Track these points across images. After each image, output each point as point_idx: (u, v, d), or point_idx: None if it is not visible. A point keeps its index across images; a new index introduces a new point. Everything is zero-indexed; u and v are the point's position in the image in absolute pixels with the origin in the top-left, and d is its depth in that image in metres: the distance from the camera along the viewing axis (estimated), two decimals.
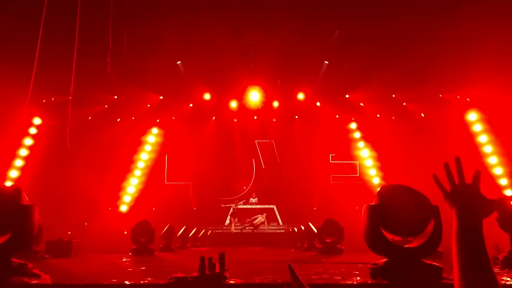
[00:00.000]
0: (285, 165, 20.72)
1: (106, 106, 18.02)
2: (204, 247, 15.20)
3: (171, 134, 19.85)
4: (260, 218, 19.53)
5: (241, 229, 19.35)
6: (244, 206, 20.60)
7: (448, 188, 1.84)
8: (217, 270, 4.02)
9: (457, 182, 1.83)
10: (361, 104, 18.71)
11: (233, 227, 19.46)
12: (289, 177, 20.25)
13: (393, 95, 17.67)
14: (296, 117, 20.47)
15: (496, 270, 5.68)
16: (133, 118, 18.93)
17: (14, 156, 16.04)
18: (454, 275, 1.56)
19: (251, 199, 20.87)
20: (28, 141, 16.42)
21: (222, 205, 20.46)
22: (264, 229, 19.57)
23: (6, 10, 11.97)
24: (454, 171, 1.86)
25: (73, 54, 10.99)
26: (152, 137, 19.58)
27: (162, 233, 12.22)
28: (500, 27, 12.28)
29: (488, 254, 1.57)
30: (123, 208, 18.22)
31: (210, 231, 18.00)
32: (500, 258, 6.10)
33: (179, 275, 3.95)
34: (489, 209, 1.73)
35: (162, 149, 19.91)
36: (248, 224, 19.40)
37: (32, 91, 14.21)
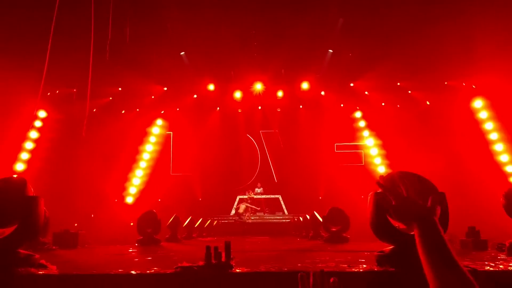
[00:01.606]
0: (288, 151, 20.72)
1: (111, 98, 18.04)
2: (210, 237, 15.24)
3: (175, 125, 19.89)
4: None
5: (252, 219, 19.40)
6: (260, 196, 20.70)
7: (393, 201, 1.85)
8: (223, 259, 4.02)
9: (405, 194, 1.85)
10: (366, 92, 18.64)
11: (246, 217, 19.49)
12: (294, 167, 20.27)
13: (398, 83, 17.58)
14: (301, 106, 20.43)
15: (503, 256, 5.67)
16: (137, 109, 18.96)
17: (20, 149, 16.12)
18: (428, 278, 1.63)
19: (256, 189, 20.89)
20: (33, 134, 16.48)
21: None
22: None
23: (12, 2, 11.95)
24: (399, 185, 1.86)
25: (78, 46, 10.98)
26: (157, 128, 19.62)
27: (168, 224, 12.25)
28: (506, 13, 12.17)
29: (450, 250, 1.64)
30: (129, 199, 18.32)
31: (216, 221, 18.06)
32: (507, 244, 6.06)
33: (185, 264, 3.95)
34: (432, 210, 1.78)
35: (167, 140, 19.97)
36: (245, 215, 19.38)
37: (37, 84, 14.28)
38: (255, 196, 20.33)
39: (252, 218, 19.55)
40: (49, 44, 9.60)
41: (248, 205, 19.57)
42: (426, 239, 1.69)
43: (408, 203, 1.81)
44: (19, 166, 15.94)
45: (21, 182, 4.38)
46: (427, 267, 1.63)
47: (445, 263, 1.60)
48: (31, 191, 4.46)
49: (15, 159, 15.92)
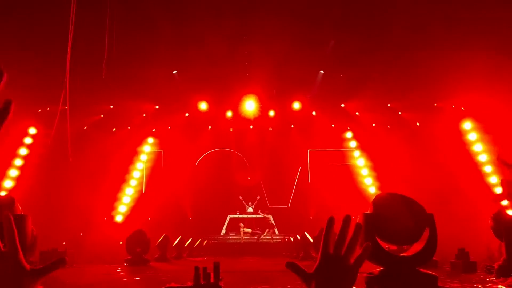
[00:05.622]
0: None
1: (102, 116, 17.98)
2: (200, 257, 15.11)
3: (167, 143, 19.83)
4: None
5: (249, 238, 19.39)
6: (251, 216, 20.68)
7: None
8: (212, 279, 3.99)
9: (331, 251, 1.48)
10: (357, 113, 18.76)
11: (242, 236, 19.45)
12: (284, 186, 20.28)
13: (389, 104, 17.73)
14: (292, 126, 20.50)
15: (491, 278, 5.68)
16: (129, 127, 18.89)
17: (9, 166, 15.95)
18: None
19: (247, 208, 20.80)
20: (23, 151, 16.34)
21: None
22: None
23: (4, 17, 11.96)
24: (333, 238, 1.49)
25: (69, 64, 10.98)
26: (148, 146, 19.54)
27: (157, 243, 12.14)
28: (494, 35, 12.38)
29: None
30: (119, 218, 18.12)
31: (205, 241, 17.92)
32: (496, 266, 6.08)
33: (173, 285, 3.91)
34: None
35: (158, 158, 19.89)
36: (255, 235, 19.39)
37: (26, 101, 14.24)
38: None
39: (244, 238, 19.50)
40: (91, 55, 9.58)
41: (247, 230, 19.53)
42: None
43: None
44: (8, 183, 15.76)
45: (8, 200, 4.35)
46: None
47: None
48: (19, 209, 4.43)
49: (3, 176, 15.74)
